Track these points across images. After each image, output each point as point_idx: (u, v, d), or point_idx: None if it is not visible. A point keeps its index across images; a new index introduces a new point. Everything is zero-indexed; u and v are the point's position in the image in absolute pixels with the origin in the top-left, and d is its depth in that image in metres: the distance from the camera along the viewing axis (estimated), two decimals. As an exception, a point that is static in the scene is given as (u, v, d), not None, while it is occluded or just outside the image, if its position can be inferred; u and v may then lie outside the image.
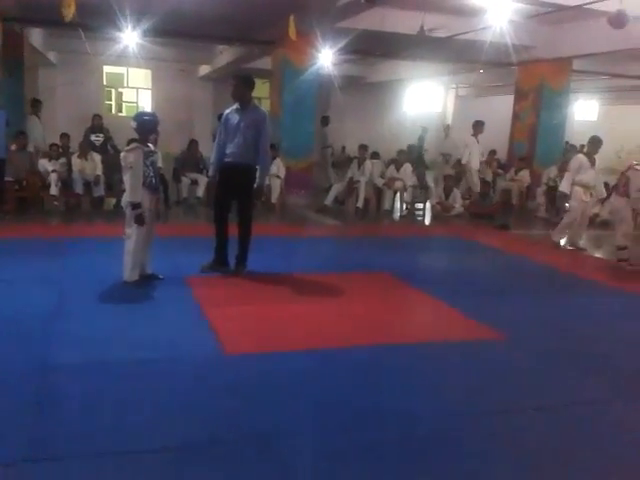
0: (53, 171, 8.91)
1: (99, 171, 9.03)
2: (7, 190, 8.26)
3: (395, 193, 10.40)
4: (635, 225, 7.77)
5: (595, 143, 7.84)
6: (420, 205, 10.44)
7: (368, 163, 10.43)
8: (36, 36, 13.82)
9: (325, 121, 13.68)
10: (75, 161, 9.05)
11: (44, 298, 4.75)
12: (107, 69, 19.87)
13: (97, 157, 9.22)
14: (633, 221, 7.55)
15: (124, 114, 20.23)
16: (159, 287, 5.23)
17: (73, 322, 4.28)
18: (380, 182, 10.37)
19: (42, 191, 8.94)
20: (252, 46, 13.16)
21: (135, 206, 5.04)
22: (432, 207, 10.43)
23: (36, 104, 10.98)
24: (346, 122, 20.94)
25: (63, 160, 9.15)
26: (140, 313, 4.60)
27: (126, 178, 5.09)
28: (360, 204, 10.08)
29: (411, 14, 10.34)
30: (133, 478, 2.54)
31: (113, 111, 20.46)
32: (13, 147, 9.04)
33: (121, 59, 14.90)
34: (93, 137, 10.07)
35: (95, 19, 9.82)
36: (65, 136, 9.96)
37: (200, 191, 9.78)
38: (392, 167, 10.56)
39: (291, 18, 9.09)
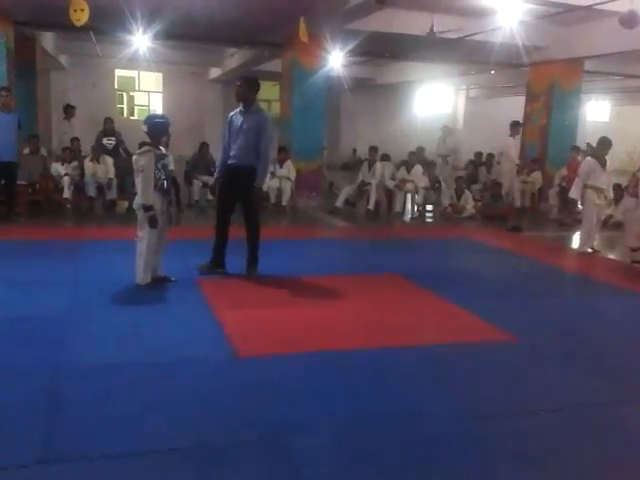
0: (66, 174, 8.99)
1: (111, 174, 9.09)
2: (20, 193, 8.32)
3: (406, 195, 10.38)
4: None
5: (604, 144, 7.73)
6: (431, 207, 10.41)
7: (379, 165, 10.42)
8: (48, 40, 13.94)
9: None
10: (87, 164, 9.12)
11: (57, 300, 4.78)
12: (119, 72, 20.01)
13: (109, 160, 9.28)
14: None
15: (136, 117, 20.37)
16: (171, 289, 5.25)
17: (86, 324, 4.31)
18: (391, 184, 10.36)
19: (55, 194, 9.01)
20: (262, 49, 13.20)
21: (147, 209, 5.06)
22: (443, 209, 10.40)
23: (69, 109, 11.06)
24: (356, 124, 20.98)
25: (75, 163, 9.22)
26: (152, 315, 4.61)
27: (138, 181, 5.11)
28: (371, 206, 10.07)
29: (421, 15, 10.32)
30: (143, 479, 2.55)
31: (125, 114, 20.59)
32: (26, 150, 9.12)
33: (132, 62, 15.01)
34: (105, 140, 10.13)
35: (107, 23, 9.90)
36: (76, 140, 10.03)
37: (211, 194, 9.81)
38: (403, 169, 10.55)
39: (301, 20, 9.11)
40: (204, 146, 10.40)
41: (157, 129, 5.17)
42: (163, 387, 3.36)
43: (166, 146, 5.48)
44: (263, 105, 21.53)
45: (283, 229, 9.05)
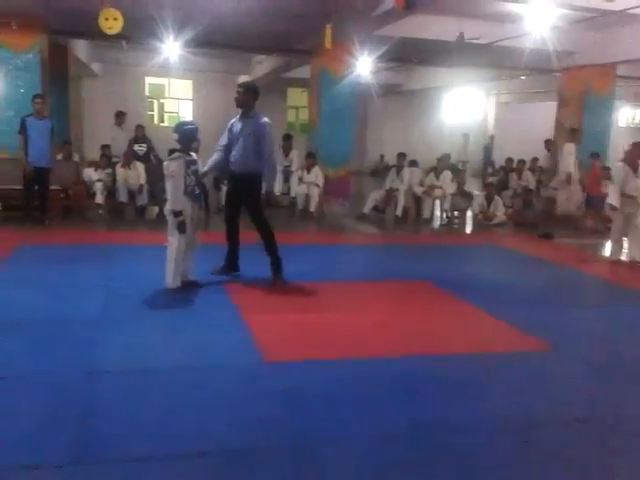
0: (98, 180, 9.15)
1: (142, 180, 9.22)
2: (53, 198, 8.48)
3: (434, 201, 10.31)
4: None
5: (636, 149, 7.58)
6: (461, 213, 10.31)
7: (406, 171, 10.37)
8: (81, 48, 14.23)
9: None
10: (119, 170, 9.27)
11: (89, 304, 4.85)
12: (149, 80, 20.31)
13: (140, 166, 9.42)
14: None
15: (166, 124, 20.63)
16: (200, 294, 5.28)
17: (117, 328, 4.35)
18: (419, 190, 10.29)
19: (87, 199, 9.17)
20: (290, 56, 13.28)
21: (176, 214, 5.12)
22: (473, 215, 10.28)
23: (120, 115, 11.25)
24: (384, 130, 20.95)
25: (108, 170, 9.37)
26: (181, 319, 4.65)
27: (168, 187, 5.18)
28: (399, 212, 10.02)
29: (450, 21, 10.28)
30: (176, 483, 2.57)
31: (155, 121, 20.87)
32: (59, 156, 9.31)
33: (163, 70, 15.22)
34: (136, 147, 10.29)
35: (138, 31, 10.06)
36: (106, 147, 10.19)
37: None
38: (432, 175, 10.48)
39: (327, 27, 9.14)
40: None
41: (187, 135, 5.23)
42: (192, 391, 3.38)
43: (196, 152, 5.54)
44: (291, 111, 21.73)
45: (311, 235, 9.06)
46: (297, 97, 20.96)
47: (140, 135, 10.61)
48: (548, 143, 12.55)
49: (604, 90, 12.03)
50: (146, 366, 3.69)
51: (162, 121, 21.33)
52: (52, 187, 8.40)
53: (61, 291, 5.13)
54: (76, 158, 10.07)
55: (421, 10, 9.00)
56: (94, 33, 9.09)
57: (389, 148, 18.45)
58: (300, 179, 10.19)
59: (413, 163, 11.25)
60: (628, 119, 23.08)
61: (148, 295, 5.13)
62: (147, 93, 20.63)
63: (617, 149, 12.88)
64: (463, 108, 22.00)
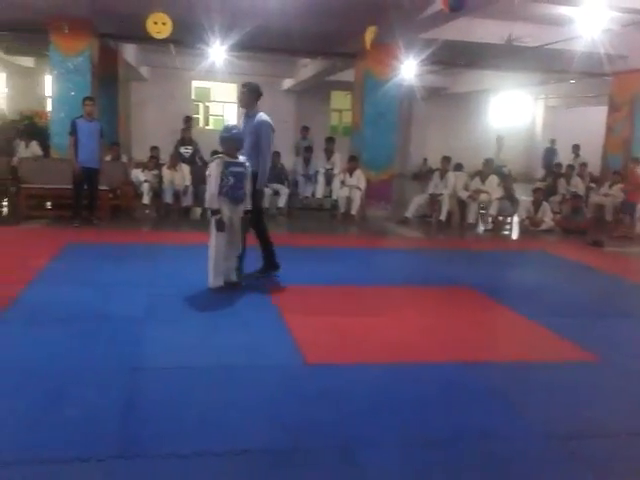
0: (145, 181, 9.34)
1: (187, 182, 9.38)
2: (101, 198, 8.69)
3: (480, 206, 10.14)
4: None
5: None
6: (507, 219, 10.11)
7: (451, 175, 10.24)
8: (129, 51, 14.58)
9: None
10: (165, 172, 9.45)
11: (134, 301, 4.93)
12: (195, 84, 20.65)
13: (186, 168, 9.58)
14: None
15: (211, 127, 20.94)
16: (242, 294, 5.31)
17: (160, 325, 4.42)
18: (464, 194, 10.14)
19: (134, 200, 9.37)
20: (335, 59, 13.30)
21: (213, 212, 5.19)
22: (520, 221, 10.08)
23: (189, 120, 11.33)
24: (428, 133, 20.76)
25: (156, 171, 9.56)
26: (223, 319, 4.68)
27: (207, 186, 5.27)
28: (443, 217, 9.90)
29: (498, 23, 10.13)
30: (214, 479, 2.58)
31: (201, 124, 21.20)
32: (108, 158, 9.54)
33: (209, 74, 15.44)
34: (182, 149, 10.46)
35: (186, 35, 10.24)
36: (155, 148, 10.40)
37: (281, 202, 9.94)
38: (477, 179, 10.31)
39: (369, 29, 9.10)
40: (275, 155, 10.54)
41: (231, 139, 5.25)
42: (234, 390, 3.39)
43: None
44: (334, 114, 21.76)
45: (352, 238, 9.03)
46: (340, 100, 20.98)
47: (186, 137, 10.79)
48: None
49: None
50: (189, 364, 3.73)
51: (207, 124, 21.66)
52: (101, 187, 8.59)
53: (108, 288, 5.24)
54: (124, 159, 10.30)
55: (468, 13, 8.90)
56: (143, 37, 9.29)
57: (433, 151, 18.28)
58: (342, 182, 10.18)
59: (458, 167, 11.11)
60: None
61: (191, 294, 5.20)
62: (193, 97, 20.98)
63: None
64: (510, 112, 21.63)
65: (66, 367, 3.57)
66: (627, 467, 2.81)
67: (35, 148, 10.88)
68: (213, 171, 5.19)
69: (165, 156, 10.12)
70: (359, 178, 10.16)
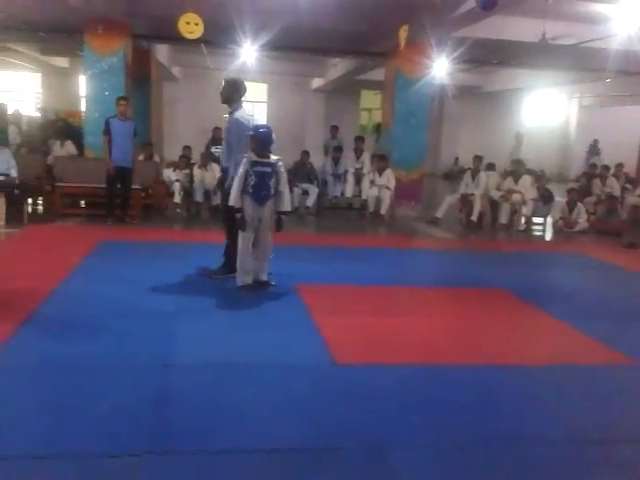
0: (177, 180, 9.45)
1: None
2: (134, 197, 8.81)
3: (513, 206, 9.98)
4: None
5: None
6: (541, 220, 9.93)
7: (483, 175, 10.10)
8: (162, 52, 14.74)
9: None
10: (196, 171, 9.54)
11: (165, 299, 4.99)
12: (226, 84, 20.77)
13: (216, 168, 9.62)
14: None
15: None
16: (271, 293, 5.33)
17: (191, 323, 4.46)
18: (496, 194, 10.00)
19: (166, 199, 9.48)
20: (365, 58, 13.24)
21: (235, 211, 5.19)
22: (554, 222, 9.90)
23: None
24: (459, 132, 20.55)
25: (187, 170, 9.66)
26: (253, 318, 4.70)
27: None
28: (474, 217, 9.77)
29: (532, 21, 9.95)
30: (243, 476, 2.59)
31: (231, 124, 21.30)
32: (140, 157, 9.67)
33: (239, 74, 15.53)
34: (213, 149, 10.53)
35: (217, 35, 10.31)
36: (187, 148, 10.51)
37: (310, 201, 9.94)
38: (510, 179, 10.16)
39: (402, 28, 9.04)
40: (305, 154, 10.57)
41: (261, 139, 5.20)
42: (263, 389, 3.40)
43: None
44: (364, 114, 21.67)
45: (381, 238, 8.99)
46: (370, 99, 20.89)
47: (217, 137, 10.86)
48: None
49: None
50: (219, 362, 3.75)
51: (237, 123, 21.74)
52: (134, 186, 8.70)
53: (139, 286, 5.30)
54: (157, 159, 10.42)
55: (501, 11, 8.77)
56: (175, 37, 9.38)
57: (464, 151, 18.08)
58: (372, 182, 10.14)
59: (490, 166, 10.96)
60: None
61: (220, 292, 5.25)
62: (224, 96, 21.09)
63: None
64: (544, 111, 21.28)
65: (99, 364, 3.61)
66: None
67: (70, 147, 11.08)
68: (238, 170, 5.20)
69: (196, 156, 10.22)
70: (389, 178, 10.10)
